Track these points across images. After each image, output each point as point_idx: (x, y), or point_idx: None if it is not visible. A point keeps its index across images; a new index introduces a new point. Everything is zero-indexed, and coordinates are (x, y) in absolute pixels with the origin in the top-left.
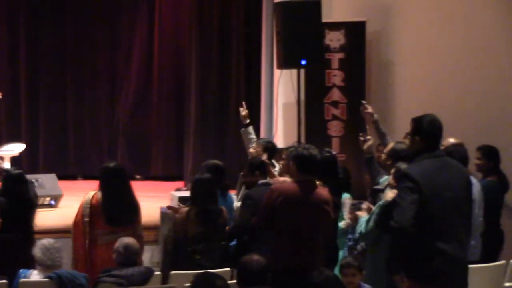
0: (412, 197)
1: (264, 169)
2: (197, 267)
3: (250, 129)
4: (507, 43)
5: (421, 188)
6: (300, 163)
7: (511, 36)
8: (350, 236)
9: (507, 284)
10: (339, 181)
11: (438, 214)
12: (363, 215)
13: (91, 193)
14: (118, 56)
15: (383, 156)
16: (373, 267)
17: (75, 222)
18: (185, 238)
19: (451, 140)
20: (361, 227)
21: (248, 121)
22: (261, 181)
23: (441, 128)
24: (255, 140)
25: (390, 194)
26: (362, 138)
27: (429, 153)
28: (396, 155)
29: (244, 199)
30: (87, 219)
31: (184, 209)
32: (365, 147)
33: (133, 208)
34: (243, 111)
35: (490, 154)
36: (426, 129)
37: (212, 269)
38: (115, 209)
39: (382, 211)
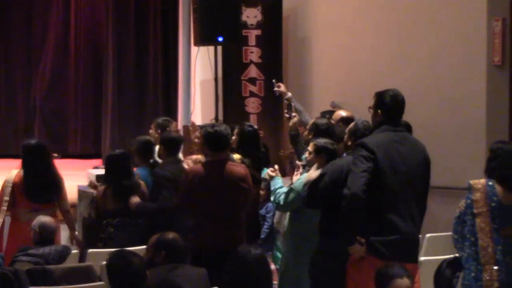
0: (366, 165)
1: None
2: (109, 241)
3: None
4: (424, 20)
5: (377, 158)
6: (208, 142)
7: (428, 12)
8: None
9: (422, 258)
10: (261, 155)
11: (392, 187)
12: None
13: (14, 172)
14: (34, 34)
15: (305, 131)
16: (293, 240)
17: None
18: (104, 213)
19: (342, 113)
20: (280, 198)
21: None
22: (170, 159)
23: (403, 103)
24: None
25: (313, 175)
26: (287, 115)
27: (388, 127)
28: (317, 130)
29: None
30: (6, 198)
31: (102, 187)
32: (290, 124)
33: (54, 185)
34: None
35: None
36: (388, 103)
37: (125, 245)
38: (36, 187)
39: (310, 190)
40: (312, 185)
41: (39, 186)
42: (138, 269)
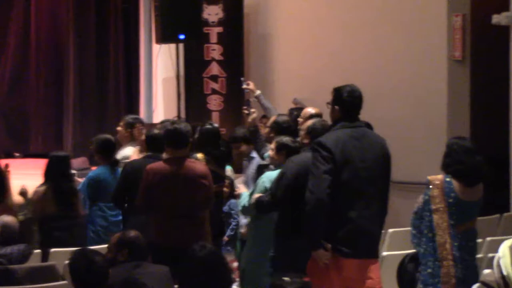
0: (326, 167)
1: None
2: (56, 244)
3: None
4: (386, 15)
5: (335, 157)
6: (167, 139)
7: (390, 7)
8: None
9: (384, 253)
10: (222, 153)
11: (350, 183)
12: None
13: None
14: None
15: (266, 129)
16: (253, 242)
17: None
18: (43, 216)
19: (310, 110)
20: (244, 200)
21: None
22: (148, 154)
23: (360, 98)
24: None
25: (241, 190)
26: (246, 112)
27: (346, 123)
28: (278, 128)
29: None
30: None
31: (41, 188)
32: (249, 120)
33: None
34: None
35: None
36: (345, 99)
37: (73, 246)
38: None
39: (258, 199)
40: (276, 186)
41: None
42: (101, 268)
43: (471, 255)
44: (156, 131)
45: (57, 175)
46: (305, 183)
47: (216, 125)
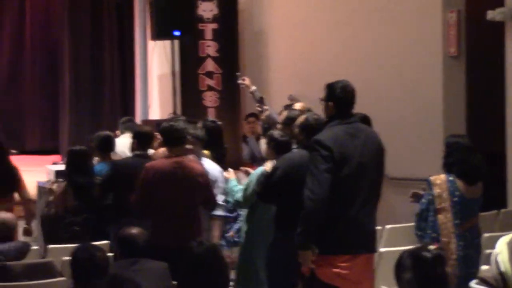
0: (326, 166)
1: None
2: (75, 239)
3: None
4: (380, 11)
5: (333, 154)
6: (164, 137)
7: (384, 4)
8: None
9: (382, 249)
10: (225, 150)
11: (348, 180)
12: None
13: None
14: None
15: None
16: (248, 235)
17: None
18: (64, 211)
19: (299, 107)
20: (237, 195)
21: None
22: (136, 152)
23: (353, 94)
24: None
25: (268, 165)
26: (259, 109)
27: (341, 119)
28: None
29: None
30: None
31: (63, 183)
32: (262, 117)
33: (10, 179)
34: None
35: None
36: (339, 95)
37: (90, 240)
38: None
39: (265, 183)
40: (265, 179)
41: None
42: (101, 262)
43: (477, 252)
44: (146, 128)
45: (71, 169)
46: (296, 180)
47: (219, 122)
